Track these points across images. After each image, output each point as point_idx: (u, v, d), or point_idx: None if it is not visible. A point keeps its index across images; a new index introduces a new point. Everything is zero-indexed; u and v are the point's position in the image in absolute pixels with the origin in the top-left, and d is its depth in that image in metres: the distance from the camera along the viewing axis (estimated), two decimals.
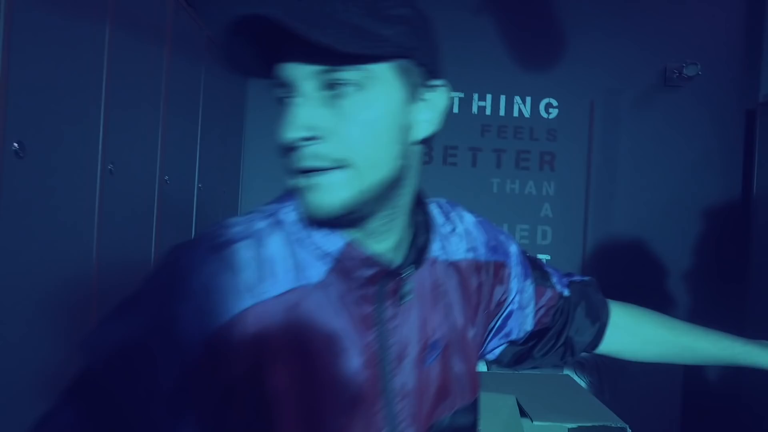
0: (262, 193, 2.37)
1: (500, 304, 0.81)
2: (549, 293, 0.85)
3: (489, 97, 2.84)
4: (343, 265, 0.63)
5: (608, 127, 2.86)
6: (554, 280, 0.87)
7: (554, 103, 2.85)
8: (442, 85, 0.65)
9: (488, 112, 2.84)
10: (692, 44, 2.83)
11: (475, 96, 2.83)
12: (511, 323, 0.83)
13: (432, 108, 0.64)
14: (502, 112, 2.84)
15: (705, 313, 2.75)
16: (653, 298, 2.70)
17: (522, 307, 0.83)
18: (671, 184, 2.86)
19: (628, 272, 2.80)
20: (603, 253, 2.84)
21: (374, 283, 0.64)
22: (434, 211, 0.78)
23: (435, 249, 0.73)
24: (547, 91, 2.84)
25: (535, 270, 0.86)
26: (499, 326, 0.82)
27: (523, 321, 0.83)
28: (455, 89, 2.80)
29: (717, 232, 2.87)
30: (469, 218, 0.82)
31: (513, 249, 0.84)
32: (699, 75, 2.72)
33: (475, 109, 2.83)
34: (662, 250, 2.84)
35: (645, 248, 2.85)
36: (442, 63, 0.66)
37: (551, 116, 2.85)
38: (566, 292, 0.87)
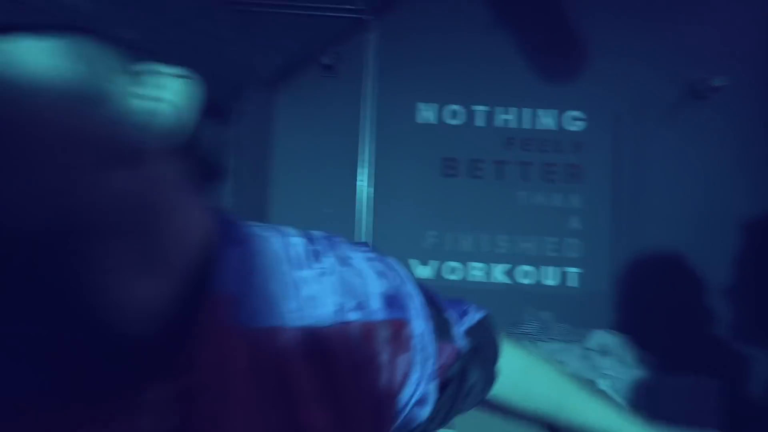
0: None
1: (404, 378, 0.59)
2: (449, 349, 0.67)
3: (514, 110, 2.83)
4: None
5: (635, 138, 2.83)
6: (454, 330, 0.69)
7: (580, 115, 2.82)
8: None
9: (513, 125, 2.83)
10: (719, 54, 2.81)
11: (498, 109, 2.83)
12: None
13: None
14: (527, 125, 2.83)
15: (745, 329, 2.67)
16: (686, 312, 2.64)
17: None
18: (702, 196, 2.82)
19: (660, 286, 2.75)
20: (633, 267, 2.80)
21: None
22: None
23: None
24: (572, 103, 2.82)
25: (436, 319, 0.66)
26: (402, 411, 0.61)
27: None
28: (479, 102, 2.80)
29: (753, 244, 2.79)
30: (358, 258, 0.61)
31: (416, 296, 0.64)
32: (727, 86, 2.68)
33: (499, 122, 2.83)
34: (695, 265, 2.78)
35: (676, 262, 2.79)
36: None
37: (577, 129, 2.82)
38: (464, 345, 0.70)
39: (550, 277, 2.78)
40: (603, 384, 2.27)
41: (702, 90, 2.73)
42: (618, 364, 2.38)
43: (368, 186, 2.71)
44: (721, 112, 2.78)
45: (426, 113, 2.77)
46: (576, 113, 2.83)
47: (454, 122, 2.78)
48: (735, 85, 2.71)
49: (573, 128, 2.83)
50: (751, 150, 2.81)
